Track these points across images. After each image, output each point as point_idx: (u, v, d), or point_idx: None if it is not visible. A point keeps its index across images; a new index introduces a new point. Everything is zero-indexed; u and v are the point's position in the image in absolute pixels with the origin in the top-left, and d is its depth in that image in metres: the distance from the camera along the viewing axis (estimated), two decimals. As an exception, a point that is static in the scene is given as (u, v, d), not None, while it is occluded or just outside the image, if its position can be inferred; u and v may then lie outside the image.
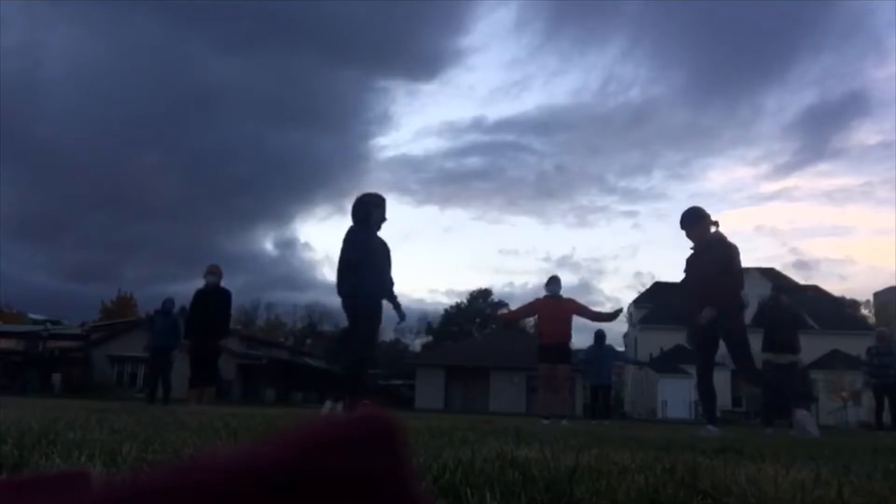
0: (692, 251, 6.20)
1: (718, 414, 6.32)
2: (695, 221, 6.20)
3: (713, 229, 6.14)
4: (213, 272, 9.26)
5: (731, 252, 6.04)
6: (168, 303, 11.12)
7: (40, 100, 75.86)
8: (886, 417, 11.56)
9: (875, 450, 3.29)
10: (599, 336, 13.25)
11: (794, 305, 9.41)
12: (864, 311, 55.23)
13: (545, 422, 7.94)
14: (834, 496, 1.28)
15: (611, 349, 13.52)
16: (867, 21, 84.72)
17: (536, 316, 9.43)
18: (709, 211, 6.23)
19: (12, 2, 65.26)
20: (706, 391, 6.19)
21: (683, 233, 6.21)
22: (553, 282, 9.00)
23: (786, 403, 8.77)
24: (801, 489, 1.31)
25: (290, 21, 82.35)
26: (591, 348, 13.45)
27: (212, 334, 9.04)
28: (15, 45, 72.28)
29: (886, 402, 11.41)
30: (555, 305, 8.93)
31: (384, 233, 6.21)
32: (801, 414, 6.06)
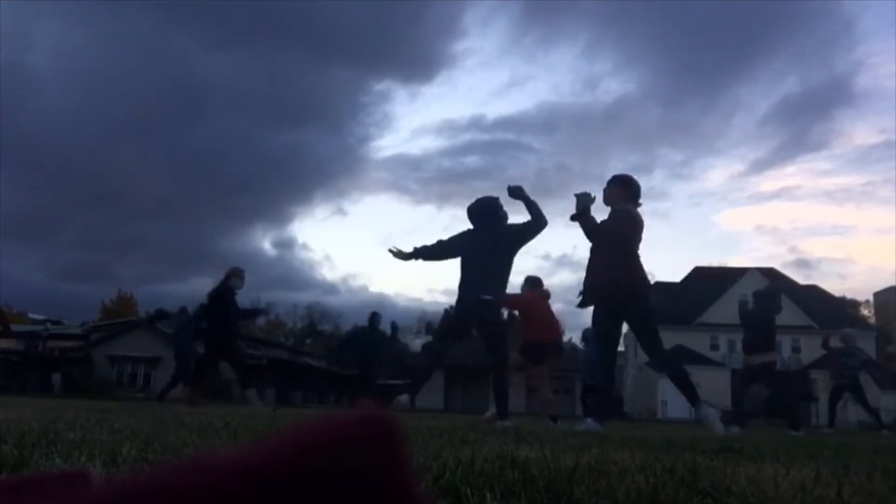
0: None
1: (718, 413, 6.18)
2: (612, 183, 5.75)
3: (629, 206, 5.62)
4: (243, 278, 8.84)
5: (626, 226, 5.54)
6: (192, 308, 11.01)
7: (41, 100, 75.83)
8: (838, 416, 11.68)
9: (875, 450, 3.29)
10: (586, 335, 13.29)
11: (769, 302, 9.29)
12: (864, 311, 55.23)
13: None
14: (834, 496, 1.28)
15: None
16: (859, 14, 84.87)
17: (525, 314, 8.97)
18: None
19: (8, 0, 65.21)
20: (603, 383, 5.91)
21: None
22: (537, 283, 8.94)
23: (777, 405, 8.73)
24: (801, 489, 1.31)
25: (288, 21, 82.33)
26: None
27: (233, 337, 8.85)
28: (10, 43, 72.22)
29: (845, 401, 11.44)
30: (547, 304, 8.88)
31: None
32: (705, 412, 5.61)
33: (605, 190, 5.77)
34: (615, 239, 5.52)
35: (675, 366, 5.98)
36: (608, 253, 5.54)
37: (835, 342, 12.17)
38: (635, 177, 5.82)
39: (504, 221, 6.08)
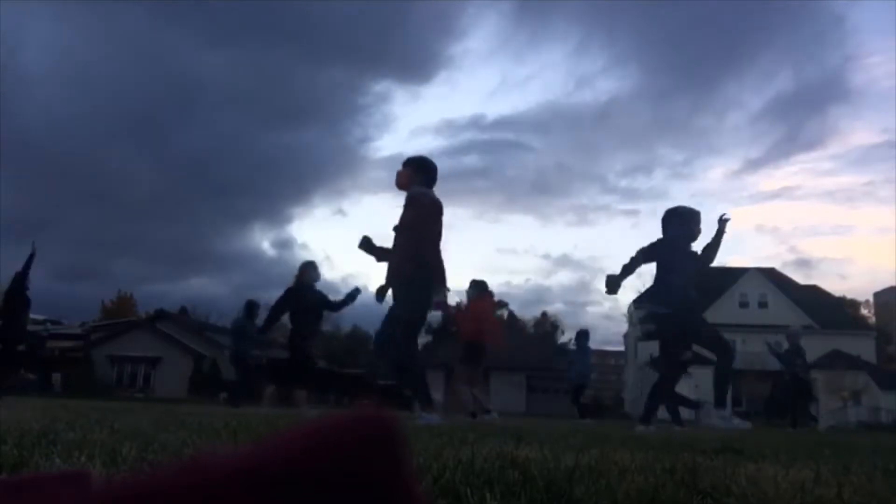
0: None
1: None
2: (405, 164, 5.42)
3: (423, 190, 5.29)
4: (316, 269, 8.58)
5: (416, 212, 5.19)
6: (255, 306, 10.82)
7: (40, 99, 75.87)
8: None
9: (875, 450, 3.29)
10: (581, 335, 13.24)
11: None
12: (864, 311, 55.26)
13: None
14: (834, 496, 1.28)
15: (589, 349, 13.36)
16: (853, 15, 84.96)
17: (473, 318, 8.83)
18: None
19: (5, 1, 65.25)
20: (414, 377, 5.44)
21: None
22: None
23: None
24: (801, 489, 1.31)
25: (287, 22, 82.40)
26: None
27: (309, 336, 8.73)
28: (5, 42, 72.28)
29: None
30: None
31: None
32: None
33: (398, 171, 5.46)
34: (408, 228, 5.20)
35: (412, 367, 5.42)
36: (402, 242, 5.23)
37: (783, 342, 12.33)
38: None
39: (693, 234, 6.33)
